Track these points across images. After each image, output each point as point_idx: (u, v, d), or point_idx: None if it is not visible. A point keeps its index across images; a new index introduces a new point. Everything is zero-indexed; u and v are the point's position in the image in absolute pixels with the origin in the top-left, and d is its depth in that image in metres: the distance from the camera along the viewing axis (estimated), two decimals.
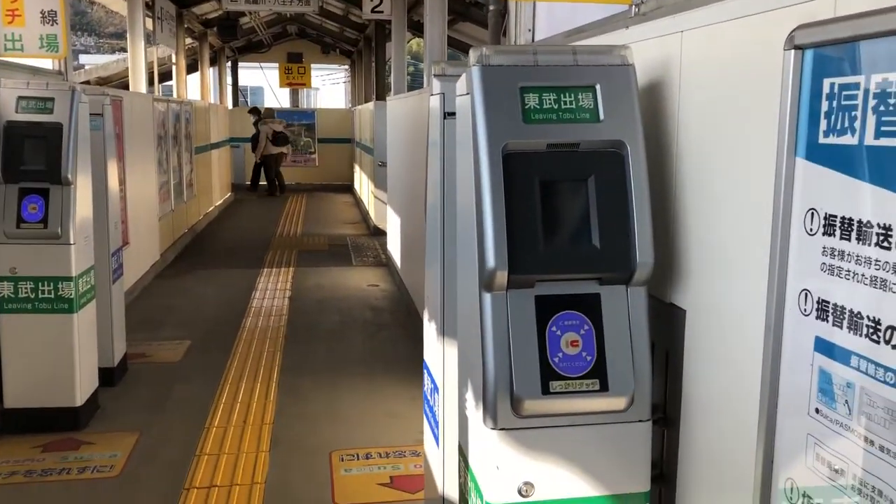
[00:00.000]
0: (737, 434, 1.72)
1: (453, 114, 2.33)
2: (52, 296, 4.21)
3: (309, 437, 4.29)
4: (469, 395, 2.04)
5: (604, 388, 1.87)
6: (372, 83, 15.17)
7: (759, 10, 1.56)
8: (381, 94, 13.21)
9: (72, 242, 4.21)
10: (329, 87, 31.46)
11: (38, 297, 4.20)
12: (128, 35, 9.13)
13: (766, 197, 1.54)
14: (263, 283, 8.17)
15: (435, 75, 2.51)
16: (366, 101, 15.82)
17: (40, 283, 4.20)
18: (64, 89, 4.28)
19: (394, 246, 8.63)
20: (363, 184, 14.18)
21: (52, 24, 4.86)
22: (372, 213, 11.96)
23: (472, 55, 1.91)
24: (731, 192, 1.73)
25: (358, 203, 15.24)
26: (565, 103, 1.89)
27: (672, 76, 1.97)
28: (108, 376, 4.88)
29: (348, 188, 17.92)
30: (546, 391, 1.84)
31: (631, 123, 1.89)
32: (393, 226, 8.73)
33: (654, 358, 1.94)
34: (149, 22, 9.85)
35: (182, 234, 10.25)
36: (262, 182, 16.85)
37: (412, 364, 5.48)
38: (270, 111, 17.07)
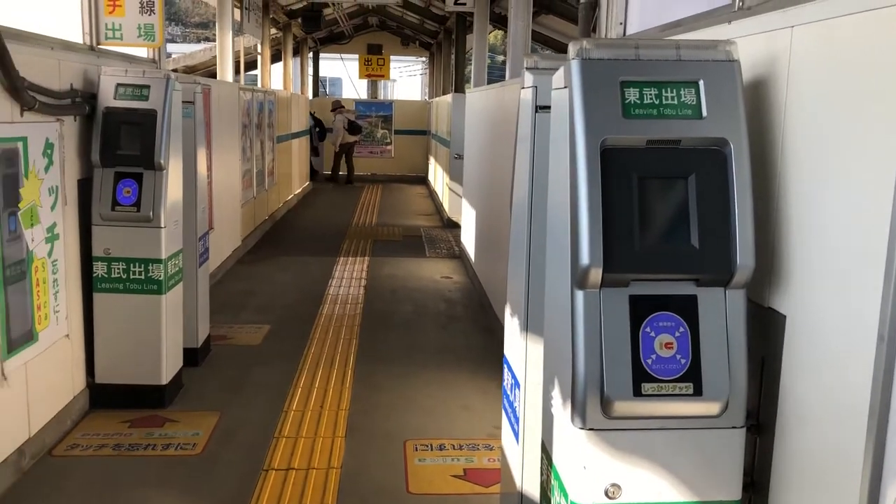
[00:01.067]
0: (839, 446, 1.65)
1: (546, 107, 2.31)
2: (143, 277, 4.36)
3: (384, 425, 4.34)
4: (556, 394, 2.02)
5: (697, 392, 1.82)
6: (451, 75, 15.19)
7: (885, 4, 1.48)
8: (460, 87, 13.22)
9: (162, 226, 4.35)
10: (406, 78, 31.65)
11: (129, 278, 4.35)
12: (217, 24, 9.37)
13: (882, 203, 1.47)
14: (339, 272, 8.29)
15: (527, 68, 2.48)
16: (443, 94, 15.86)
17: (132, 265, 4.35)
18: (159, 77, 4.41)
19: (468, 238, 8.63)
20: (438, 176, 14.24)
21: (149, 14, 5.02)
22: (446, 206, 12.00)
23: (572, 48, 1.88)
24: (842, 196, 1.66)
25: (432, 195, 15.31)
26: (667, 98, 1.84)
27: (779, 74, 1.89)
28: (192, 357, 5.03)
29: (423, 180, 18.03)
30: (637, 393, 1.81)
31: (735, 121, 1.83)
32: (468, 218, 8.73)
33: (749, 363, 1.88)
34: (236, 12, 10.08)
35: (262, 221, 10.48)
36: (342, 172, 17.15)
37: (484, 357, 5.48)
38: (338, 102, 17.44)
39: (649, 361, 1.81)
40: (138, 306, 4.38)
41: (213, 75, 10.13)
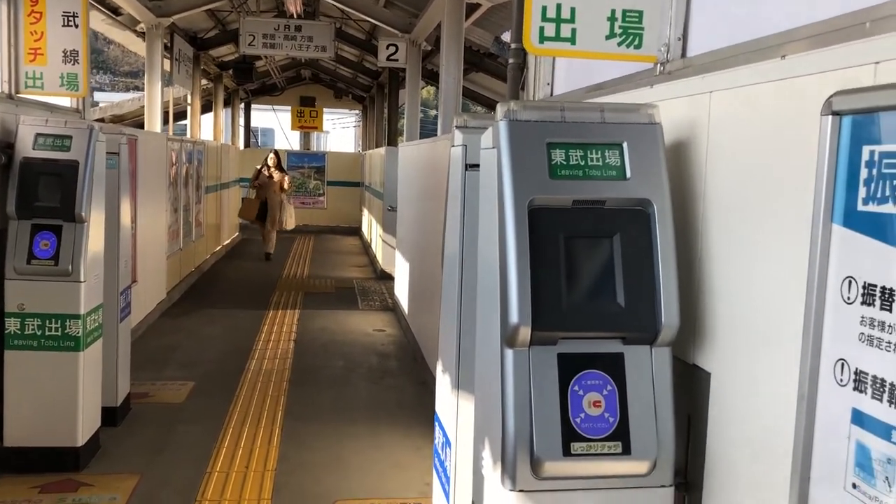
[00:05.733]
0: (765, 503, 1.67)
1: (475, 166, 2.32)
2: (59, 333, 4.17)
3: (312, 486, 4.21)
4: (486, 454, 1.99)
5: (626, 451, 1.82)
6: (383, 128, 15.33)
7: (796, 74, 1.55)
8: (393, 140, 13.32)
9: (82, 280, 4.19)
10: (339, 130, 31.78)
11: (44, 335, 4.16)
12: (145, 75, 9.25)
13: (799, 263, 1.51)
14: (269, 325, 8.12)
15: (457, 126, 2.51)
16: (376, 146, 15.95)
17: (48, 321, 4.16)
18: (82, 128, 4.30)
19: (401, 291, 8.59)
20: (371, 227, 14.22)
21: (73, 64, 4.91)
22: (379, 257, 11.96)
23: (500, 110, 1.90)
24: (762, 255, 1.70)
25: (365, 246, 15.25)
26: (592, 160, 1.88)
27: (700, 136, 1.96)
28: (110, 416, 4.81)
29: (356, 231, 17.97)
30: (567, 452, 1.79)
31: (657, 182, 1.88)
32: (401, 271, 8.71)
33: (676, 420, 1.89)
34: (166, 63, 9.98)
35: (189, 273, 10.23)
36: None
37: (417, 413, 5.41)
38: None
39: (578, 420, 1.81)
40: (54, 364, 4.18)
41: (142, 125, 9.97)
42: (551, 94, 3.53)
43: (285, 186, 12.38)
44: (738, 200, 1.81)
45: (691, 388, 1.98)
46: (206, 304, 9.16)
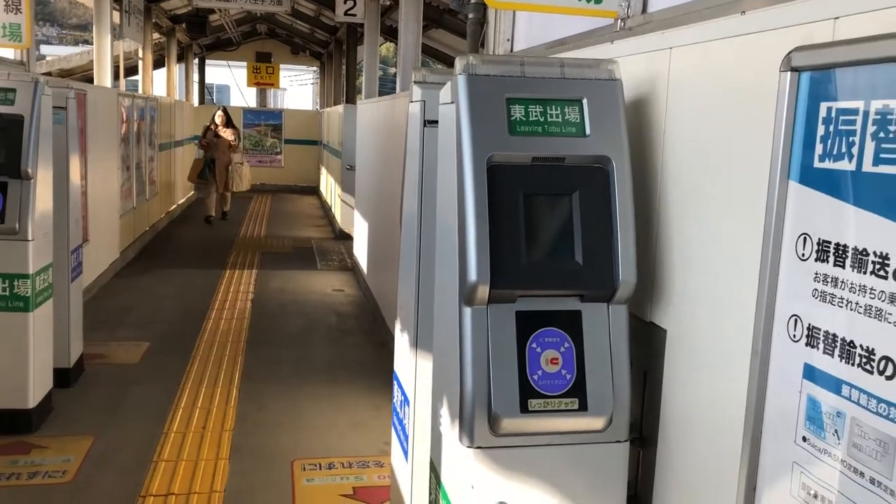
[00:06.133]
0: (717, 458, 1.70)
1: (434, 122, 2.29)
2: (7, 293, 4.06)
3: (270, 445, 4.20)
4: (444, 412, 1.99)
5: (583, 407, 1.83)
6: (342, 86, 15.07)
7: (755, 30, 1.54)
8: (351, 98, 13.13)
9: (30, 238, 4.07)
10: (297, 88, 31.23)
11: None
12: (94, 28, 8.93)
13: (755, 219, 1.52)
14: (225, 285, 8.02)
15: (415, 82, 2.46)
16: (335, 104, 15.71)
17: None
18: (26, 80, 4.14)
19: (360, 251, 8.54)
20: (330, 187, 14.07)
21: (15, 13, 4.70)
22: (338, 217, 11.86)
23: (458, 64, 1.86)
24: (718, 212, 1.71)
25: (324, 206, 15.11)
26: (551, 116, 1.85)
27: (659, 93, 1.94)
28: (63, 377, 4.72)
29: (314, 190, 17.77)
30: (524, 409, 1.80)
31: (617, 139, 1.87)
32: (360, 230, 8.64)
33: (632, 377, 1.91)
34: (116, 15, 9.64)
35: (143, 233, 10.04)
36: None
37: (376, 372, 5.41)
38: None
39: (535, 377, 1.81)
40: (2, 325, 4.07)
41: (92, 80, 9.66)
42: (511, 51, 3.49)
43: (233, 144, 11.70)
44: (697, 158, 1.80)
45: (647, 346, 1.99)
46: (160, 264, 9.01)
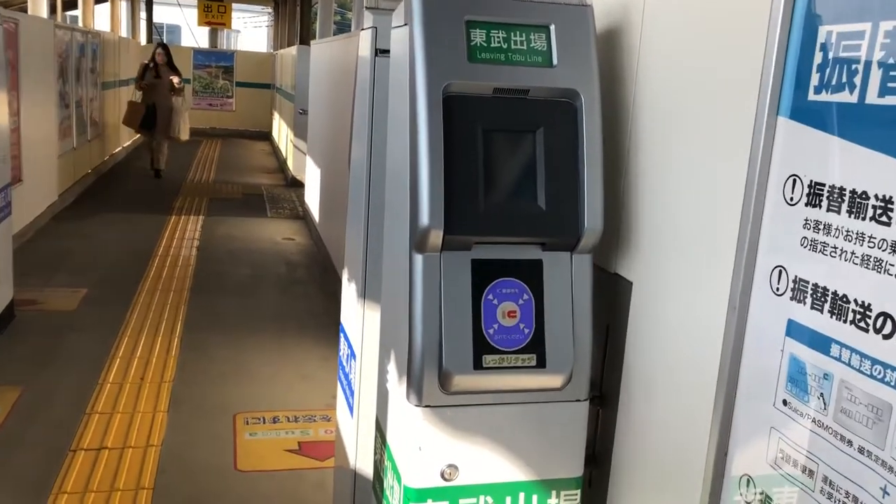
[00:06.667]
0: (684, 420, 1.57)
1: (386, 51, 2.08)
2: None
3: (212, 398, 4.02)
4: (391, 367, 1.83)
5: (541, 364, 1.69)
6: (296, 27, 14.55)
7: None
8: (306, 39, 12.67)
9: None
10: (252, 30, 30.29)
11: None
12: None
13: (737, 160, 1.37)
14: (170, 231, 7.72)
15: (367, 7, 2.24)
16: (289, 46, 15.19)
17: None
18: None
19: (312, 198, 8.29)
20: (282, 132, 13.66)
21: None
22: (290, 163, 11.53)
23: None
24: (695, 153, 1.56)
25: (275, 151, 14.70)
26: (515, 43, 1.67)
27: (633, 20, 1.77)
28: None
29: (266, 135, 17.29)
30: (478, 366, 1.65)
31: (587, 72, 1.69)
32: (312, 177, 8.38)
33: (594, 332, 1.77)
34: None
35: (85, 175, 9.61)
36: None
37: (326, 323, 5.25)
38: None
39: (491, 332, 1.66)
40: None
41: (26, 10, 9.10)
42: None
43: (177, 86, 10.37)
44: (673, 94, 1.64)
45: (611, 299, 1.85)
46: (102, 207, 8.65)
